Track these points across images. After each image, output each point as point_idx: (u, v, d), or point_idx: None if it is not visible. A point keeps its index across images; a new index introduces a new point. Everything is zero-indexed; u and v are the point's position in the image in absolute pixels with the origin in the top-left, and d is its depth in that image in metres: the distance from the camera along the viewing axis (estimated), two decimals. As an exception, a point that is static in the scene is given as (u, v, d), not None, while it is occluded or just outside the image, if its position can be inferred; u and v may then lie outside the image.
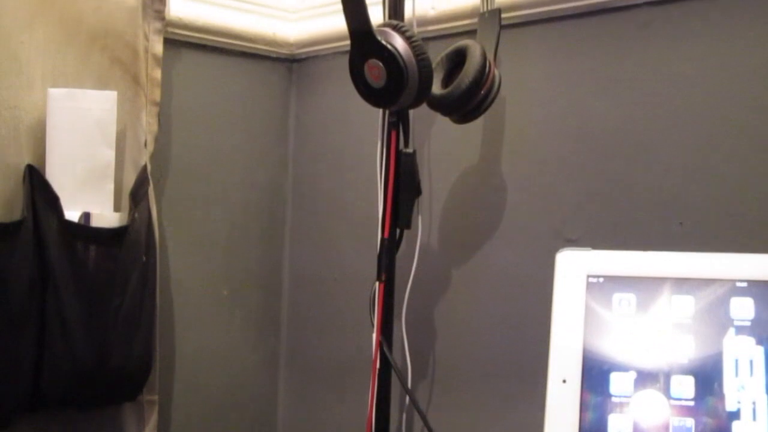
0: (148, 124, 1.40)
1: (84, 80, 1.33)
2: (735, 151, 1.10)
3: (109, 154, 1.31)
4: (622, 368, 0.95)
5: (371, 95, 1.14)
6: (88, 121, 1.30)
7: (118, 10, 1.36)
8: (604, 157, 1.22)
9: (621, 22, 1.21)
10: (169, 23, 1.44)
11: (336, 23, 1.51)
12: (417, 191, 1.26)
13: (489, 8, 1.28)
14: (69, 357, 1.25)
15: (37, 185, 1.24)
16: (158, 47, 1.42)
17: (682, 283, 0.95)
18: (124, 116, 1.36)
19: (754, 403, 0.89)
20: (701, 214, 1.13)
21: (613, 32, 1.22)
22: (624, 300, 0.97)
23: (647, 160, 1.18)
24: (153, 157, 1.41)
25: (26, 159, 1.26)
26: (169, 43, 1.46)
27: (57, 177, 1.26)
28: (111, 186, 1.32)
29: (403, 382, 1.31)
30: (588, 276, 0.99)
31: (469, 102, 1.20)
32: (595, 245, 1.03)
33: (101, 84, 1.34)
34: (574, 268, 1.00)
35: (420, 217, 1.30)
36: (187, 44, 1.51)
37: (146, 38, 1.40)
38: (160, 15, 1.41)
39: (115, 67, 1.37)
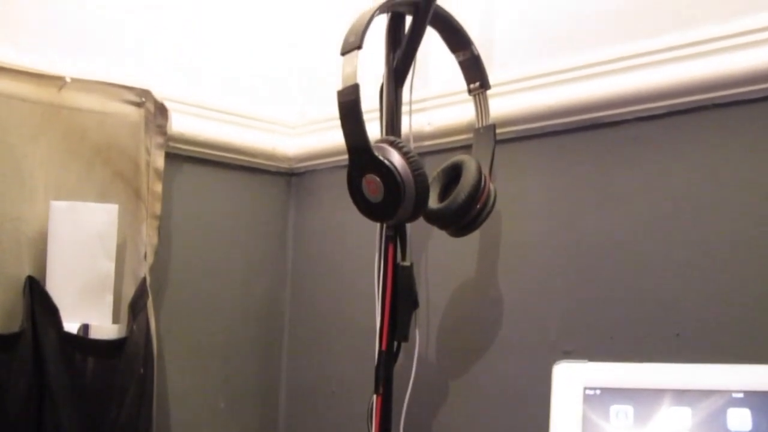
0: (148, 236, 1.41)
1: (86, 193, 1.35)
2: (729, 262, 1.11)
3: (109, 266, 1.32)
4: (621, 482, 0.94)
5: (369, 209, 1.15)
6: (90, 233, 1.31)
7: (121, 125, 1.39)
8: (599, 269, 1.23)
9: (612, 137, 1.23)
10: (170, 138, 1.47)
11: (334, 138, 1.53)
12: (414, 304, 1.26)
13: (484, 124, 1.31)
14: (65, 469, 1.24)
15: (37, 297, 1.25)
16: (160, 161, 1.44)
17: (680, 395, 0.95)
18: (124, 229, 1.37)
19: None
20: (697, 325, 1.13)
21: (605, 147, 1.24)
22: (621, 412, 0.97)
23: (642, 272, 1.19)
24: (152, 269, 1.42)
25: (27, 270, 1.27)
26: (171, 157, 1.48)
27: (57, 288, 1.27)
28: (110, 297, 1.32)
29: (401, 497, 1.30)
30: (585, 388, 0.99)
31: (465, 216, 1.21)
32: (592, 357, 1.04)
33: (103, 197, 1.36)
34: (571, 380, 1.00)
35: (417, 330, 1.30)
36: (188, 158, 1.54)
37: (148, 152, 1.42)
38: (162, 130, 1.44)
39: (117, 181, 1.39)
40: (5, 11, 1.33)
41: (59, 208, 1.30)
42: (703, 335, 1.12)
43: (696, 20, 1.17)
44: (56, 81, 1.33)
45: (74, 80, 1.34)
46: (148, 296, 1.38)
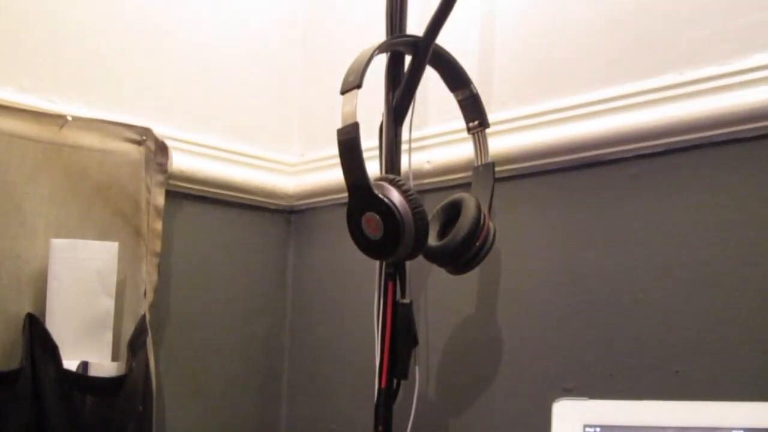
0: (148, 274, 1.41)
1: (86, 231, 1.35)
2: (728, 299, 1.11)
3: (109, 304, 1.32)
4: None
5: (368, 247, 1.15)
6: (89, 271, 1.31)
7: (122, 164, 1.40)
8: (598, 305, 1.23)
9: (612, 175, 1.24)
10: (171, 176, 1.47)
11: (334, 176, 1.54)
12: (414, 341, 1.26)
13: (483, 162, 1.31)
14: None
15: (36, 334, 1.25)
16: (160, 199, 1.44)
17: (679, 433, 0.95)
18: (124, 267, 1.37)
19: None
20: (696, 361, 1.13)
21: (604, 184, 1.25)
22: (621, 450, 0.97)
23: (641, 308, 1.19)
24: (152, 306, 1.42)
25: (27, 308, 1.27)
26: (171, 195, 1.48)
27: (57, 326, 1.27)
28: (110, 335, 1.32)
29: None
30: (585, 426, 0.98)
31: (464, 254, 1.22)
32: (592, 394, 1.04)
33: (103, 235, 1.36)
34: (570, 417, 0.99)
35: (417, 368, 1.30)
36: (188, 196, 1.54)
37: (148, 190, 1.43)
38: (162, 168, 1.45)
39: (117, 219, 1.39)
40: (8, 53, 1.35)
41: (59, 246, 1.30)
42: (702, 372, 1.12)
43: (693, 60, 1.18)
44: (58, 119, 1.34)
45: (75, 119, 1.35)
46: (147, 334, 1.38)
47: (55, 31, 1.40)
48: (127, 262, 1.39)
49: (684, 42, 1.19)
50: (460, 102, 1.33)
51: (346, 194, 1.14)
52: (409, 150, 1.31)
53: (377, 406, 1.25)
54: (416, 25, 1.32)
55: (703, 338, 1.13)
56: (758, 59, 1.11)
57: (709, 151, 1.15)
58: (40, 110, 1.33)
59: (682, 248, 1.16)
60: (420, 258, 1.21)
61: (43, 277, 1.29)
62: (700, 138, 1.15)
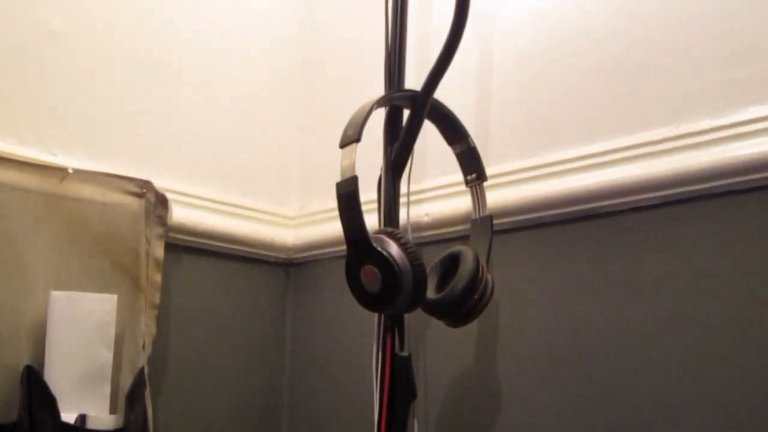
0: (146, 326, 1.41)
1: (85, 283, 1.35)
2: (728, 351, 1.11)
3: (107, 356, 1.32)
4: None
5: (367, 300, 1.15)
6: (88, 323, 1.31)
7: (122, 216, 1.40)
8: (597, 357, 1.23)
9: (609, 227, 1.25)
10: (170, 228, 1.48)
11: (333, 229, 1.55)
12: (412, 395, 1.25)
13: (481, 215, 1.32)
14: None
15: (34, 386, 1.24)
16: (159, 252, 1.45)
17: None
18: (123, 319, 1.37)
19: None
20: (697, 414, 1.13)
21: (602, 237, 1.25)
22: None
23: (640, 360, 1.19)
24: (151, 359, 1.41)
25: (25, 359, 1.26)
26: (170, 247, 1.49)
27: (55, 378, 1.26)
28: (108, 388, 1.32)
29: None
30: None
31: (462, 306, 1.22)
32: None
33: (102, 287, 1.36)
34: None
35: (415, 421, 1.29)
36: (187, 248, 1.54)
37: (148, 243, 1.43)
38: (162, 221, 1.45)
39: (117, 271, 1.39)
40: (10, 105, 1.36)
41: (58, 298, 1.30)
42: (702, 425, 1.12)
43: (689, 113, 1.19)
44: (59, 172, 1.34)
45: (76, 171, 1.36)
46: (145, 387, 1.37)
47: (57, 85, 1.41)
48: (126, 314, 1.39)
49: (679, 95, 1.21)
50: (457, 155, 1.34)
51: (344, 247, 1.15)
52: (408, 203, 1.32)
53: (376, 460, 1.24)
54: (414, 76, 1.34)
55: (703, 390, 1.13)
56: (752, 112, 1.13)
57: (706, 203, 1.16)
58: (41, 163, 1.34)
59: (681, 300, 1.16)
60: (419, 310, 1.21)
61: (42, 328, 1.29)
62: (697, 190, 1.16)
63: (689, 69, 1.21)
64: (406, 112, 1.29)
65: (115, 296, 1.35)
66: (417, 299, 1.15)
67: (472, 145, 1.33)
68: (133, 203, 1.42)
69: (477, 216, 1.32)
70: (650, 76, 1.25)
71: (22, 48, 1.38)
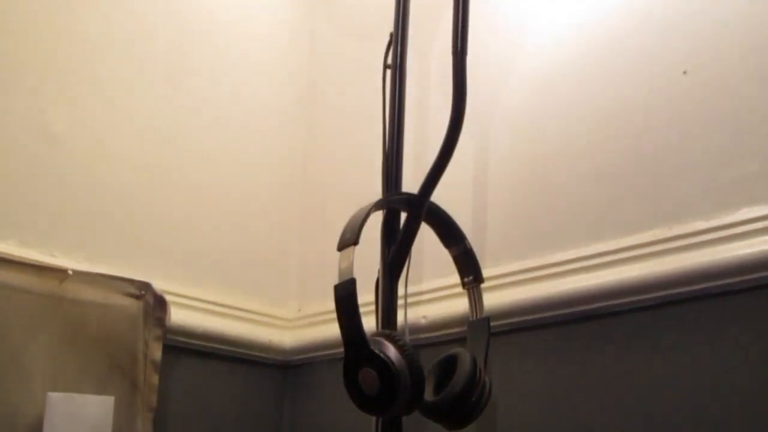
0: (143, 428, 1.40)
1: (82, 384, 1.35)
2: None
3: (104, 459, 1.31)
4: None
5: (364, 402, 1.15)
6: (85, 425, 1.30)
7: (121, 317, 1.41)
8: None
9: (607, 328, 1.25)
10: (168, 330, 1.48)
11: (331, 331, 1.54)
12: (410, 498, 1.24)
13: (478, 316, 1.32)
14: None
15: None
16: (157, 353, 1.45)
17: None
18: (120, 421, 1.36)
19: None
20: None
21: (600, 338, 1.25)
22: None
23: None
24: (146, 462, 1.40)
25: (22, 461, 1.26)
26: (168, 349, 1.48)
27: (50, 482, 1.25)
28: (103, 491, 1.31)
29: None
30: None
31: (460, 409, 1.21)
32: None
33: (99, 388, 1.36)
34: None
35: None
36: (185, 350, 1.54)
37: (146, 344, 1.43)
38: (160, 322, 1.46)
39: (114, 372, 1.39)
40: (10, 207, 1.37)
41: (55, 399, 1.30)
42: None
43: (681, 215, 1.21)
44: (58, 273, 1.35)
45: (76, 273, 1.37)
46: (140, 490, 1.36)
47: (56, 187, 1.43)
48: (123, 416, 1.38)
49: (671, 197, 1.23)
50: (454, 258, 1.35)
51: (342, 349, 1.14)
52: (405, 305, 1.32)
53: None
54: (412, 179, 1.35)
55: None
56: (743, 214, 1.14)
57: (705, 303, 1.17)
58: (41, 264, 1.35)
59: (684, 402, 1.16)
60: (416, 413, 1.21)
61: (38, 429, 1.28)
62: (692, 291, 1.17)
63: (680, 171, 1.23)
64: (403, 215, 1.30)
65: (112, 398, 1.34)
66: (414, 402, 1.14)
67: (469, 247, 1.34)
68: (132, 305, 1.43)
69: (474, 318, 1.32)
70: (641, 178, 1.27)
71: (23, 150, 1.40)
